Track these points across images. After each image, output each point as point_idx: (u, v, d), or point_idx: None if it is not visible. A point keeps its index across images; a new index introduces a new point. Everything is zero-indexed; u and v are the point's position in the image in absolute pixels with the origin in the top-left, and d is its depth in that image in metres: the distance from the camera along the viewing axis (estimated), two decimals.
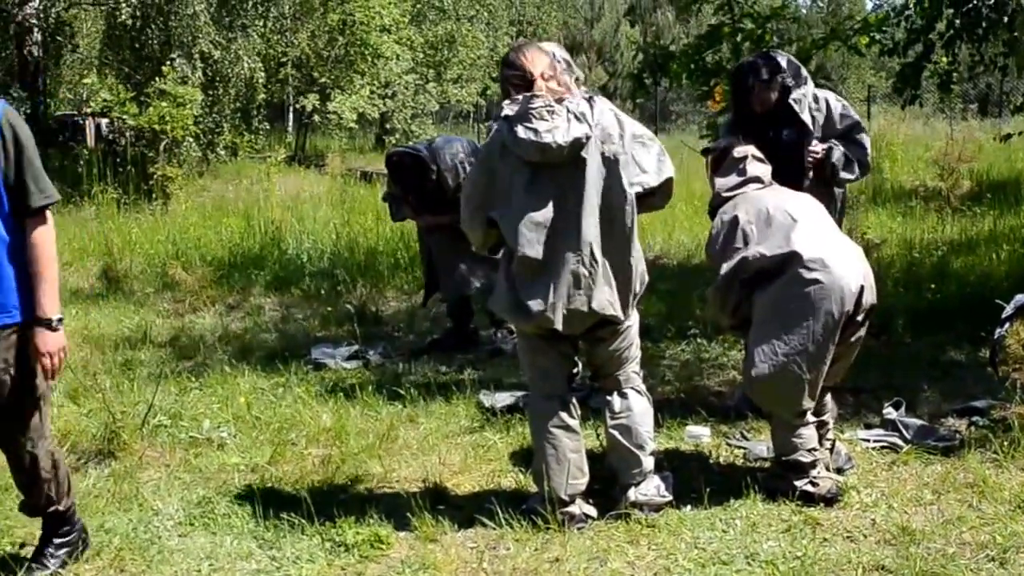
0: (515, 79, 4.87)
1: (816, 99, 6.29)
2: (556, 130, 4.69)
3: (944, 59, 9.85)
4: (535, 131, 4.69)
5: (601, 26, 31.50)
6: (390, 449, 6.13)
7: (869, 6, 63.87)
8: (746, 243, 5.18)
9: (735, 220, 5.27)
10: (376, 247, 12.43)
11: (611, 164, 4.81)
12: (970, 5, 9.59)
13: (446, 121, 40.52)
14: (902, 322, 8.31)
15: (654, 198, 5.01)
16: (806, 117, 6.20)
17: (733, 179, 5.54)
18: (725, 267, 5.20)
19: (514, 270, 4.85)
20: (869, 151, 6.37)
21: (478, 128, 39.90)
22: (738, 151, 5.62)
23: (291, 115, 32.72)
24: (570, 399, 5.10)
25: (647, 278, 5.10)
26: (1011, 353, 5.77)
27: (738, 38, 9.14)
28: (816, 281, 4.98)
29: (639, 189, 4.87)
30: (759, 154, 5.64)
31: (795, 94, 6.16)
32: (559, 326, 4.80)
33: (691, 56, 9.38)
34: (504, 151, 4.82)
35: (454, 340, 8.60)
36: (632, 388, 5.15)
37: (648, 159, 4.92)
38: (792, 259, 5.03)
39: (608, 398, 5.14)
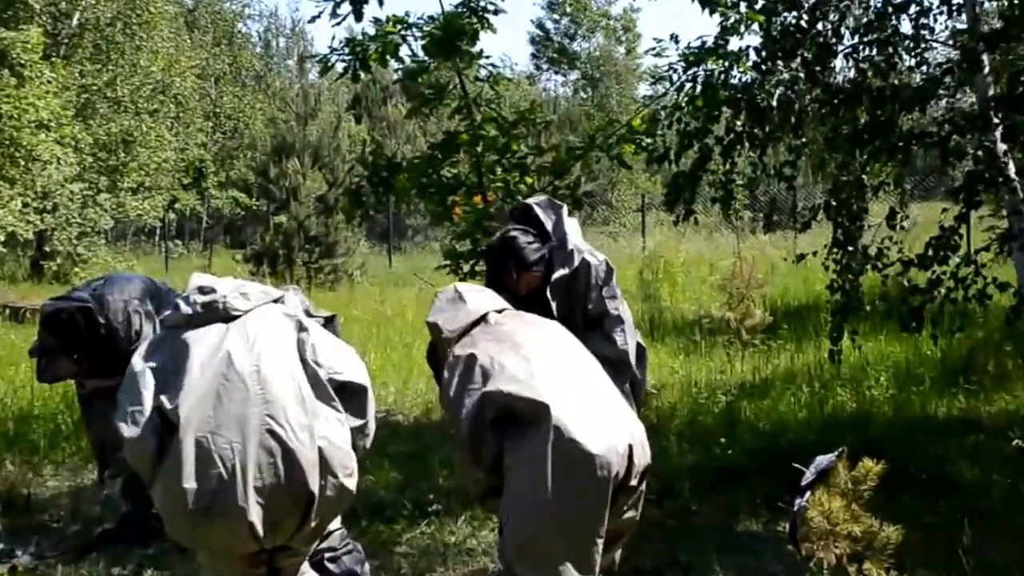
0: None
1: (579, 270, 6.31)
2: (215, 284, 4.97)
3: (721, 167, 10.25)
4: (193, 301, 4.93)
5: (318, 122, 31.67)
6: None
7: (642, 91, 66.80)
8: (485, 381, 5.15)
9: (471, 358, 5.23)
10: (30, 410, 11.99)
11: (299, 327, 4.94)
12: (752, 103, 10.03)
13: (124, 241, 39.84)
14: (688, 485, 8.52)
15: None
16: (554, 309, 6.22)
17: (456, 312, 5.48)
18: (465, 413, 5.13)
19: (184, 465, 4.70)
20: (624, 344, 6.29)
21: (166, 248, 39.36)
22: (444, 290, 5.69)
23: None
24: None
25: (355, 472, 5.09)
26: (814, 527, 5.96)
27: (479, 147, 9.30)
28: (572, 442, 4.98)
29: (326, 376, 4.94)
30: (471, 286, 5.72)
31: (555, 277, 6.24)
32: (255, 518, 4.68)
33: (422, 169, 9.48)
34: (170, 333, 4.96)
35: (131, 529, 8.32)
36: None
37: (340, 358, 5.08)
38: (542, 413, 5.04)
39: None
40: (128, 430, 4.83)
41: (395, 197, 9.99)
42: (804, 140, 10.19)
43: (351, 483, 4.92)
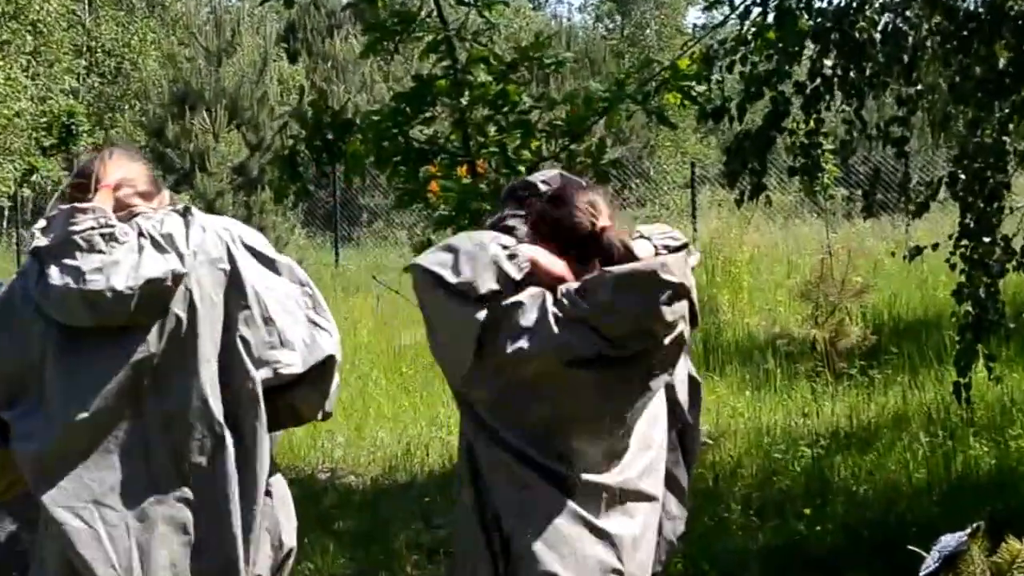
0: (75, 192, 4.83)
1: None
2: (115, 268, 4.57)
3: (803, 126, 10.20)
4: (77, 271, 4.54)
5: (236, 62, 31.54)
6: None
7: (692, 19, 66.74)
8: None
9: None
10: None
11: (227, 323, 4.77)
12: (846, 37, 9.98)
13: None
14: (759, 574, 8.54)
15: (295, 393, 4.89)
16: None
17: None
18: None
19: (48, 524, 4.67)
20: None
21: (18, 237, 39.29)
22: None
23: None
24: None
25: (293, 530, 5.09)
26: None
27: (465, 98, 9.27)
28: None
29: (269, 373, 4.79)
30: None
31: None
32: None
33: (383, 128, 9.43)
34: (33, 306, 4.67)
35: None
36: None
37: (293, 321, 4.93)
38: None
39: None
40: None
41: (345, 167, 9.94)
42: (920, 88, 10.16)
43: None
